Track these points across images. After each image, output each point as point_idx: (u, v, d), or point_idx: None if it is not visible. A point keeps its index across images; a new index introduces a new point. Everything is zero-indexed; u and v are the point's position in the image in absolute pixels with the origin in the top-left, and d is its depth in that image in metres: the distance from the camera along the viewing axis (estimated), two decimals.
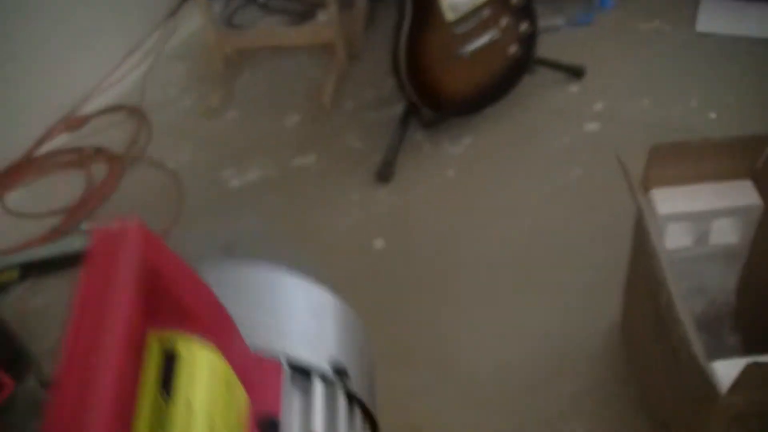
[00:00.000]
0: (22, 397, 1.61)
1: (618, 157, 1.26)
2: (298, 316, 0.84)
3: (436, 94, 1.93)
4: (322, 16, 2.40)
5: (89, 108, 2.34)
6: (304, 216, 1.89)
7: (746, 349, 1.42)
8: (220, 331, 0.68)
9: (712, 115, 1.99)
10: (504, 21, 1.91)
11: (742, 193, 1.31)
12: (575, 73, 2.16)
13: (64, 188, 2.11)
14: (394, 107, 2.09)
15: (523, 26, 1.96)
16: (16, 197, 2.11)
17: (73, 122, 2.28)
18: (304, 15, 2.53)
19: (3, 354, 1.67)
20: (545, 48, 2.08)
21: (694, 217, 1.31)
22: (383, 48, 2.26)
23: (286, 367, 0.73)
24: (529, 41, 1.99)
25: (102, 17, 2.37)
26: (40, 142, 2.23)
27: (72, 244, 1.88)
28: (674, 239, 1.33)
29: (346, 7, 2.31)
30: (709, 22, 2.29)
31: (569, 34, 2.34)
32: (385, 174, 1.93)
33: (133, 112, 2.30)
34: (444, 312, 1.64)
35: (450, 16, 1.84)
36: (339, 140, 2.08)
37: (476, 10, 1.86)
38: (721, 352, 1.25)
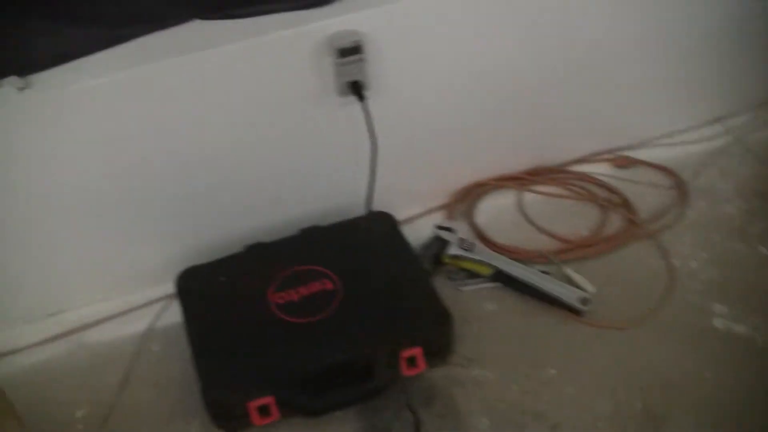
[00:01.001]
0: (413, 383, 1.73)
1: None
2: None
3: None
4: None
5: (641, 153, 2.31)
6: None
7: None
8: None
9: None
10: None
11: None
12: None
13: (572, 216, 2.15)
14: None
15: None
16: (530, 198, 2.21)
17: (619, 160, 2.27)
18: None
19: (437, 339, 1.79)
20: None
21: None
22: None
23: None
24: None
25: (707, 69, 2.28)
26: (580, 160, 2.29)
27: (547, 284, 1.93)
28: None
29: None
30: None
31: None
32: None
33: (678, 186, 2.21)
34: None
35: None
36: None
37: None
38: None
